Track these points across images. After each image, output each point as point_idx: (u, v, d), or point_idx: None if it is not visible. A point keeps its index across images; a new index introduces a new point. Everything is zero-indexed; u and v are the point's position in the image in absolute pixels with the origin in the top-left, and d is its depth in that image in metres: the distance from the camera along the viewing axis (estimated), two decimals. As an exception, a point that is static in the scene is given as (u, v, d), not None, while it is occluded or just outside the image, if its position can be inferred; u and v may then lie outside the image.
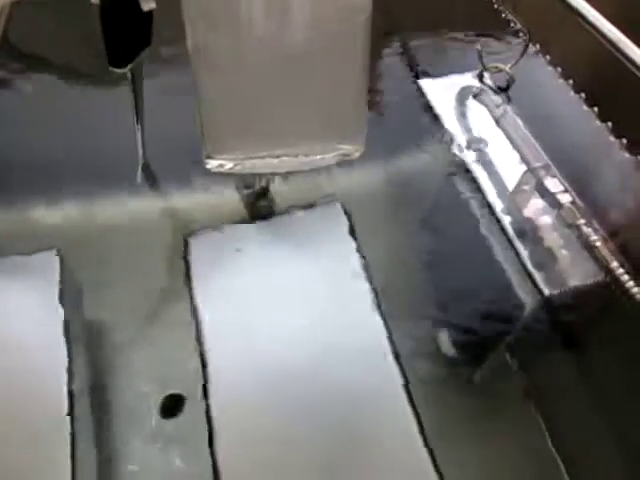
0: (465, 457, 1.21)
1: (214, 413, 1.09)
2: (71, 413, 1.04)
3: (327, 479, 1.04)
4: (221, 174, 1.20)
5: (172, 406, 1.21)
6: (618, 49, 1.10)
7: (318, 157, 1.19)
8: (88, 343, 1.24)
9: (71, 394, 1.05)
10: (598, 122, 1.39)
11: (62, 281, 1.17)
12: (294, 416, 1.10)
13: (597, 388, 1.23)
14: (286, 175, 1.30)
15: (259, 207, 1.42)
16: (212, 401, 1.11)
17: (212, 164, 1.14)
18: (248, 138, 1.14)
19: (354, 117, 1.16)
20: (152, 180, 1.43)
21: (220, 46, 1.01)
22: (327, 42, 1.04)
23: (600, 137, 1.37)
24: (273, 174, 1.31)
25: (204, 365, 1.14)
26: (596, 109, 1.41)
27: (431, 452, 1.08)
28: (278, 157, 1.15)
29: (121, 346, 1.28)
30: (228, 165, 1.15)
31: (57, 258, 1.21)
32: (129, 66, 0.97)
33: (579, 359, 1.27)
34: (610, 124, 1.37)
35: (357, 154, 1.21)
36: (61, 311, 1.13)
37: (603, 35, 1.14)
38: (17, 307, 1.14)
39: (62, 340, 1.10)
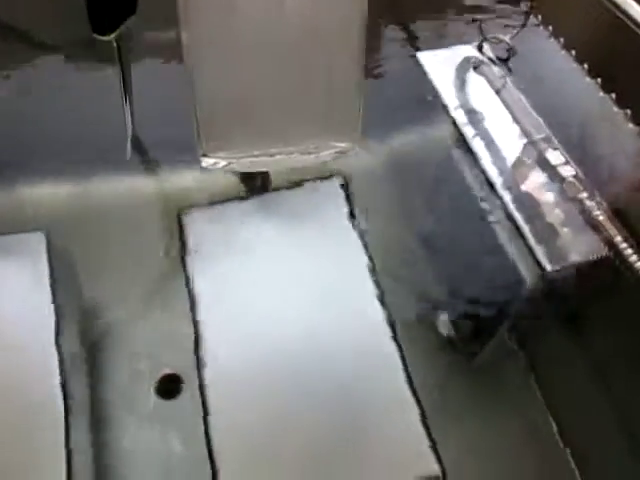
0: (465, 435, 1.20)
1: (209, 393, 1.08)
2: (64, 391, 1.03)
3: (322, 460, 1.03)
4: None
5: (168, 385, 1.20)
6: (625, 12, 1.06)
7: (313, 155, 1.18)
8: (81, 322, 1.22)
9: (63, 373, 1.03)
10: (602, 93, 1.35)
11: (50, 260, 1.15)
12: (289, 394, 1.09)
13: (599, 364, 1.22)
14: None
15: (255, 183, 1.40)
16: (207, 379, 1.10)
17: (207, 162, 1.14)
18: (243, 137, 1.13)
19: (349, 114, 1.15)
20: (144, 157, 1.41)
21: (214, 40, 1.00)
22: (322, 35, 1.03)
23: (604, 108, 1.33)
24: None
25: (198, 343, 1.12)
26: (599, 80, 1.37)
27: (428, 431, 1.06)
28: (273, 155, 1.15)
29: (115, 324, 1.27)
30: (222, 163, 1.15)
31: (44, 238, 1.19)
32: (114, 34, 0.94)
33: (581, 335, 1.25)
34: (614, 95, 1.34)
35: (353, 151, 1.20)
36: (49, 290, 1.11)
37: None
38: (4, 286, 1.13)
39: (52, 319, 1.08)
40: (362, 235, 1.33)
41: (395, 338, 1.17)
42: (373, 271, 1.28)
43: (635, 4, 1.09)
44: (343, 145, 1.18)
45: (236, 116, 1.09)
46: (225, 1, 0.96)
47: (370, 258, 1.29)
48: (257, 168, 1.20)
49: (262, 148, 1.14)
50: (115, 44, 0.97)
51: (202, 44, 1.00)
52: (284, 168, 1.25)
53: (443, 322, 1.28)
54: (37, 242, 1.18)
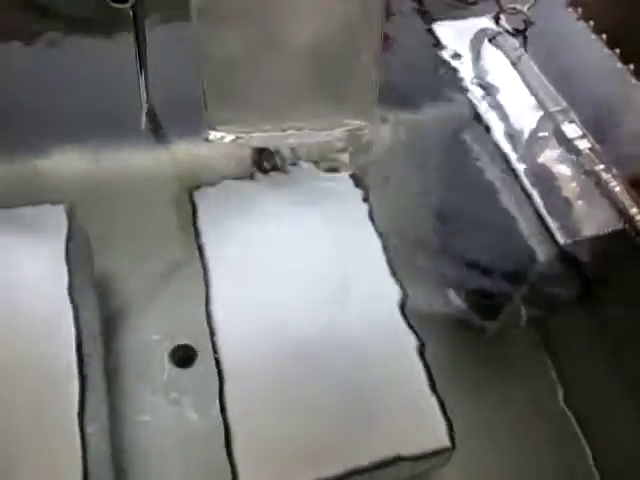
0: (476, 408, 1.21)
1: (224, 365, 1.09)
2: (80, 362, 1.04)
3: (334, 430, 1.04)
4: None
5: (182, 354, 1.22)
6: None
7: (325, 132, 1.15)
8: (99, 293, 1.23)
9: (80, 344, 1.05)
10: (619, 64, 1.33)
11: (69, 233, 1.16)
12: (301, 366, 1.10)
13: (612, 337, 1.21)
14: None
15: (267, 159, 1.39)
16: (221, 353, 1.10)
17: (214, 135, 1.11)
18: (252, 110, 1.10)
19: (365, 93, 1.12)
20: (159, 131, 1.41)
21: (224, 7, 0.97)
22: (341, 15, 1.01)
23: (622, 80, 1.31)
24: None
25: (211, 313, 1.13)
26: (617, 51, 1.35)
27: (440, 401, 1.07)
28: (283, 131, 1.12)
29: (131, 296, 1.28)
30: (230, 137, 1.12)
31: (65, 211, 1.20)
32: (130, 1, 0.93)
33: (595, 308, 1.25)
34: (632, 66, 1.32)
35: (367, 130, 1.18)
36: (66, 263, 1.12)
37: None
38: (25, 258, 1.13)
39: (67, 292, 1.09)
40: (372, 210, 1.32)
41: (405, 312, 1.17)
42: (385, 246, 1.28)
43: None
44: (357, 123, 1.16)
45: (244, 87, 1.06)
46: None
47: (381, 233, 1.29)
48: (267, 144, 1.18)
49: (271, 123, 1.12)
50: (131, 12, 0.96)
51: (211, 10, 0.97)
52: (295, 144, 1.23)
53: (456, 296, 1.28)
54: (58, 215, 1.18)
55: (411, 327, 1.13)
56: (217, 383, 1.06)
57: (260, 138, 1.14)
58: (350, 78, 1.10)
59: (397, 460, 1.00)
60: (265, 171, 1.35)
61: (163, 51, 1.24)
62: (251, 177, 1.33)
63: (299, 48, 1.03)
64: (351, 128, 1.17)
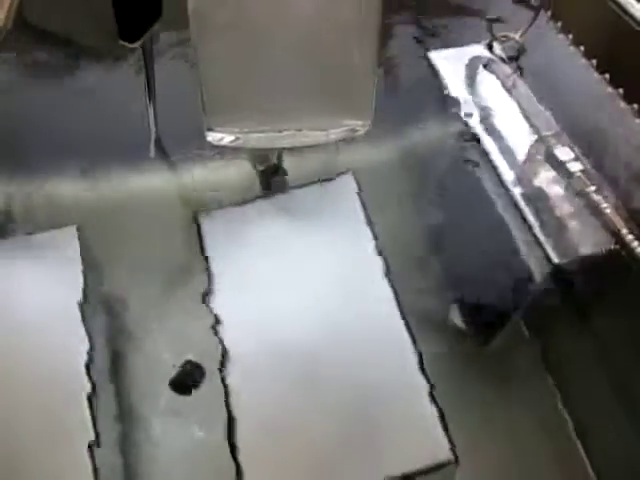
0: (478, 422, 1.23)
1: (230, 385, 1.11)
2: (91, 382, 1.07)
3: (337, 444, 1.06)
4: (224, 147, 1.18)
5: (189, 376, 1.24)
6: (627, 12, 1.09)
7: (323, 132, 1.15)
8: (107, 315, 1.26)
9: (90, 364, 1.07)
10: (610, 89, 1.37)
11: (82, 255, 1.18)
12: (309, 387, 1.12)
13: (608, 352, 1.23)
14: (294, 150, 1.28)
15: (272, 181, 1.42)
16: (228, 373, 1.12)
17: (213, 137, 1.10)
18: (250, 111, 1.10)
19: (361, 92, 1.12)
20: (166, 155, 1.44)
21: (221, 8, 0.97)
22: (339, 18, 1.02)
23: (611, 104, 1.35)
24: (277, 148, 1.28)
25: (218, 333, 1.15)
26: (607, 76, 1.39)
27: (443, 419, 1.09)
28: (281, 132, 1.12)
29: (138, 317, 1.30)
30: (229, 138, 1.12)
31: (77, 233, 1.23)
32: (140, 41, 0.97)
33: (591, 324, 1.27)
34: (622, 90, 1.36)
35: (363, 130, 1.17)
36: (80, 283, 1.14)
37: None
38: (39, 282, 1.16)
39: (80, 315, 1.12)
40: (374, 230, 1.35)
41: (408, 327, 1.19)
42: (386, 264, 1.31)
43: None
44: (354, 123, 1.16)
45: (242, 88, 1.06)
46: None
47: (382, 252, 1.32)
48: (265, 145, 1.16)
49: (269, 123, 1.11)
50: (141, 49, 0.99)
51: (208, 12, 0.97)
52: (293, 145, 1.20)
53: (455, 313, 1.31)
54: (70, 236, 1.21)
55: (414, 343, 1.15)
56: (223, 402, 1.08)
57: (258, 139, 1.13)
58: (348, 78, 1.10)
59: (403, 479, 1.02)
60: (272, 190, 1.37)
61: (170, 78, 1.28)
62: (256, 201, 1.36)
63: (296, 49, 1.03)
64: (348, 128, 1.18)
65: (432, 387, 1.12)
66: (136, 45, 0.97)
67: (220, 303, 1.22)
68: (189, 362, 1.24)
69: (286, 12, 0.99)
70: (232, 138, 1.12)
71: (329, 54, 1.05)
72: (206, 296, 1.26)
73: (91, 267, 1.22)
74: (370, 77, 1.12)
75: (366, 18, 1.03)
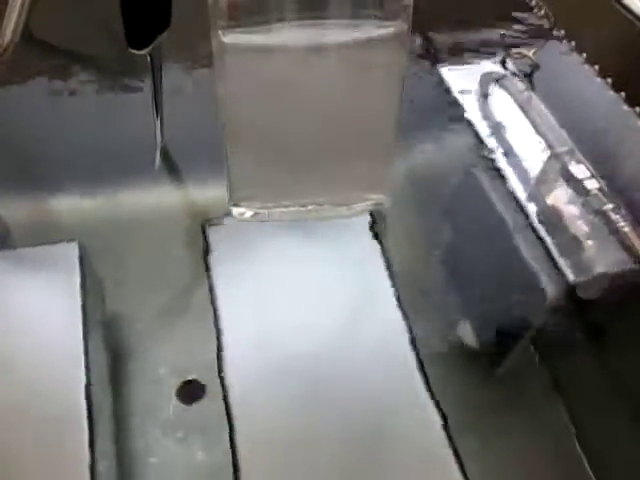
0: (488, 450, 1.19)
1: (233, 405, 1.09)
2: (89, 401, 1.04)
3: (347, 472, 1.03)
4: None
5: (190, 391, 1.21)
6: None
7: (345, 207, 1.16)
8: (108, 333, 1.24)
9: (89, 383, 1.05)
10: (625, 107, 1.36)
11: (82, 271, 1.17)
12: (313, 407, 1.09)
13: (623, 379, 1.20)
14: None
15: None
16: (230, 392, 1.10)
17: (236, 211, 1.13)
18: (272, 186, 1.12)
19: (381, 167, 1.12)
20: (172, 169, 1.43)
21: (250, 92, 0.97)
22: (361, 102, 1.01)
23: (628, 122, 1.34)
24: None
25: (221, 356, 1.14)
26: (623, 94, 1.38)
27: (453, 445, 1.06)
28: (304, 206, 1.14)
29: (141, 336, 1.28)
30: (250, 213, 1.14)
31: (77, 248, 1.21)
32: (149, 48, 0.96)
33: (606, 349, 1.24)
34: (638, 109, 1.34)
35: (389, 203, 1.19)
36: (80, 301, 1.13)
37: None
38: (37, 297, 1.15)
39: (81, 330, 1.10)
40: (383, 247, 1.33)
41: (416, 348, 1.17)
42: (394, 283, 1.29)
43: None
44: (377, 197, 1.16)
45: (268, 170, 1.07)
46: (264, 57, 0.93)
47: (391, 270, 1.30)
48: (288, 218, 1.18)
49: (293, 199, 1.13)
50: (149, 57, 0.99)
51: (237, 97, 0.97)
52: (316, 219, 1.21)
53: (465, 333, 1.28)
54: (70, 251, 1.20)
55: (423, 372, 1.13)
56: (225, 421, 1.05)
57: (281, 213, 1.15)
58: (370, 154, 1.10)
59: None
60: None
61: (178, 90, 1.28)
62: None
63: (318, 125, 1.03)
64: (371, 202, 1.18)
65: (442, 411, 1.09)
66: (144, 52, 0.97)
67: (225, 320, 1.20)
68: (191, 380, 1.22)
69: (310, 89, 0.98)
70: (252, 212, 1.15)
71: (351, 130, 1.04)
72: (211, 313, 1.24)
73: (92, 282, 1.20)
74: (389, 158, 1.12)
75: (389, 96, 1.02)
